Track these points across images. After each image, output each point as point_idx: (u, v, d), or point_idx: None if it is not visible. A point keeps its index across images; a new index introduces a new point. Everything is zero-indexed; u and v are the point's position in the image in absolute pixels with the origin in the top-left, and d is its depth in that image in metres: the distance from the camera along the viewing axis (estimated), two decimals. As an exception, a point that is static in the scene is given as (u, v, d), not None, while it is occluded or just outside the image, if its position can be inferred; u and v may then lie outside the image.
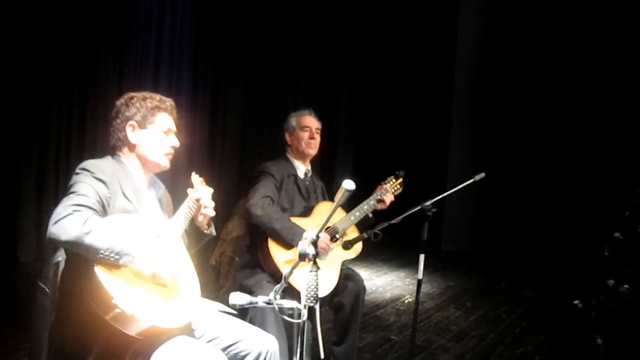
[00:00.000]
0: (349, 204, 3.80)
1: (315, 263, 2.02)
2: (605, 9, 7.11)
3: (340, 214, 3.79)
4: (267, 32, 7.02)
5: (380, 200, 3.75)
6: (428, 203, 3.41)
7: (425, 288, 6.14)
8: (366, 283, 4.25)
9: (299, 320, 2.12)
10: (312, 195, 3.88)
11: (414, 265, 5.99)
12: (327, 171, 7.95)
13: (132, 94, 2.64)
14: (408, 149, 8.38)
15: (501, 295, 6.14)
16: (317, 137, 3.87)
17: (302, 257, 2.02)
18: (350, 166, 8.26)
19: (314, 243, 2.02)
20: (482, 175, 3.69)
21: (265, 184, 3.63)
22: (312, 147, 3.87)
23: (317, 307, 3.81)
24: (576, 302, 2.08)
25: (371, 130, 8.62)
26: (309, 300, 2.02)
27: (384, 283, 6.26)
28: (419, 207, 3.41)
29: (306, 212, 3.74)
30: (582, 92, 7.35)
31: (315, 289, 2.02)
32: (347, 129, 8.53)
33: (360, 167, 8.35)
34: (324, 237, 3.55)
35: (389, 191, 3.78)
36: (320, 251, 3.56)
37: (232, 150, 6.72)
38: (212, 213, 2.70)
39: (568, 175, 7.42)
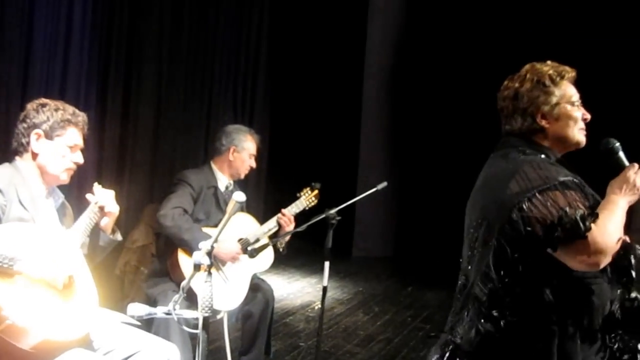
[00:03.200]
0: (268, 214, 3.85)
1: (210, 273, 2.04)
2: (516, 22, 7.39)
3: (254, 225, 3.83)
4: (179, 37, 6.94)
5: (280, 225, 3.78)
6: (332, 211, 3.48)
7: (335, 294, 6.24)
8: (277, 290, 4.27)
9: (196, 331, 2.13)
10: None
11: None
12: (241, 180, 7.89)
13: (45, 100, 2.59)
14: (319, 157, 8.45)
15: (408, 299, 6.30)
16: None
17: (197, 267, 2.04)
18: (264, 174, 8.26)
19: (209, 253, 2.04)
20: (384, 184, 3.75)
21: (181, 194, 3.61)
22: (247, 173, 3.91)
23: (225, 317, 3.85)
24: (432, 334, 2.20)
25: (283, 139, 8.64)
26: (203, 311, 2.04)
27: (295, 290, 6.32)
28: (323, 216, 3.48)
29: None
30: (493, 98, 7.57)
31: (210, 299, 2.04)
32: (261, 141, 8.42)
33: (273, 176, 8.35)
34: (235, 249, 3.58)
35: (286, 215, 3.80)
36: (232, 261, 3.59)
37: (143, 156, 6.57)
38: (116, 209, 2.67)
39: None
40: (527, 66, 2.11)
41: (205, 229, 3.54)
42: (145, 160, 6.52)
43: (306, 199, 3.93)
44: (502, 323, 1.90)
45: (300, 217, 3.84)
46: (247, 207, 4.06)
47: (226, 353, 3.96)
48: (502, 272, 1.89)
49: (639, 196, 1.87)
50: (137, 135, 6.44)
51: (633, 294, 1.85)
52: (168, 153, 6.80)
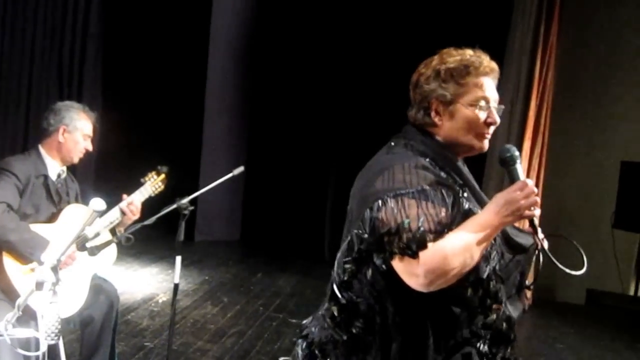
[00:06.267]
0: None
1: (55, 292, 1.65)
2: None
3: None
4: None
5: (124, 213, 3.37)
6: (184, 201, 3.23)
7: (180, 284, 5.80)
8: (115, 283, 3.78)
9: (34, 353, 1.74)
10: (64, 198, 3.37)
11: (167, 259, 5.69)
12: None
13: None
14: (158, 137, 7.87)
15: (258, 287, 6.05)
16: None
17: (40, 286, 1.63)
18: (94, 156, 7.57)
19: (55, 269, 1.64)
20: (241, 169, 3.61)
21: (3, 187, 3.06)
22: (81, 157, 3.40)
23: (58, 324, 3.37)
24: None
25: (117, 117, 7.94)
26: (49, 337, 1.64)
27: (135, 282, 5.80)
28: (174, 206, 3.19)
29: (52, 218, 3.24)
30: (346, 76, 7.43)
31: (57, 324, 1.65)
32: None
33: (105, 158, 7.67)
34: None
35: (134, 202, 3.39)
36: (68, 262, 3.11)
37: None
38: None
39: (328, 165, 7.55)
40: (442, 51, 1.88)
41: (35, 226, 3.06)
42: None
43: (152, 184, 3.54)
44: (351, 332, 1.77)
45: (145, 206, 3.46)
46: (84, 200, 3.61)
47: (60, 360, 3.51)
48: (350, 274, 1.76)
49: (518, 219, 1.65)
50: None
51: (490, 317, 1.73)
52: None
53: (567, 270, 1.74)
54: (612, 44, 6.46)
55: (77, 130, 3.33)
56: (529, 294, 5.88)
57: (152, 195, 3.55)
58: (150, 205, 3.50)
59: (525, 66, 5.92)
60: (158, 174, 3.58)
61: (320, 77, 7.56)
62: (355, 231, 1.72)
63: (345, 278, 1.76)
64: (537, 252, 1.83)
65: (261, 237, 7.96)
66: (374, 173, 1.74)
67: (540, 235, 1.74)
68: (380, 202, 1.65)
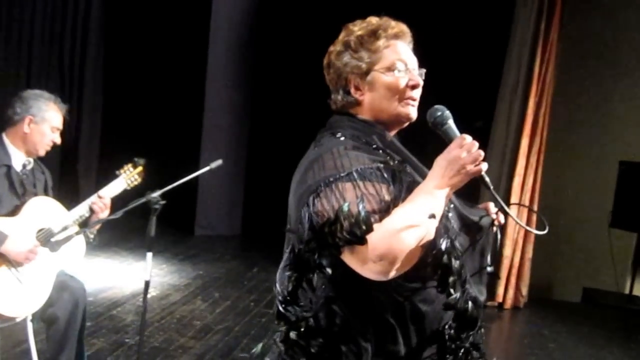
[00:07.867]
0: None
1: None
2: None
3: (60, 212, 3.23)
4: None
5: (93, 211, 3.22)
6: (155, 194, 3.09)
7: (172, 279, 5.71)
8: (104, 277, 3.71)
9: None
10: (30, 190, 3.22)
11: (162, 253, 5.59)
12: (70, 157, 7.05)
13: None
14: (159, 131, 7.75)
15: (252, 282, 5.91)
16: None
17: None
18: (96, 150, 7.49)
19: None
20: (219, 162, 3.45)
21: None
22: (48, 149, 3.26)
23: (29, 320, 3.27)
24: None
25: (119, 110, 7.85)
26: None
27: (127, 276, 5.68)
28: (144, 200, 3.06)
29: (15, 211, 3.11)
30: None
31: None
32: (94, 111, 7.62)
33: (107, 151, 7.58)
34: (27, 245, 2.97)
35: (102, 197, 3.25)
36: (26, 260, 2.98)
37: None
38: None
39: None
40: (346, 25, 1.75)
41: (-6, 218, 2.94)
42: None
43: (127, 177, 3.39)
44: (310, 353, 1.56)
45: (120, 199, 3.31)
46: (55, 192, 3.49)
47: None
48: (294, 283, 1.56)
49: (466, 178, 1.49)
50: None
51: (453, 295, 1.51)
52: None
53: (529, 229, 1.59)
54: (613, 42, 6.32)
55: (44, 121, 3.19)
56: (524, 292, 5.81)
57: (128, 188, 3.42)
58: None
59: (524, 63, 5.75)
60: (135, 167, 3.43)
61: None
62: (294, 234, 1.56)
63: (290, 289, 1.56)
64: (494, 227, 1.71)
65: (263, 232, 7.80)
66: (304, 170, 1.58)
67: (491, 186, 1.55)
68: (314, 195, 1.49)
